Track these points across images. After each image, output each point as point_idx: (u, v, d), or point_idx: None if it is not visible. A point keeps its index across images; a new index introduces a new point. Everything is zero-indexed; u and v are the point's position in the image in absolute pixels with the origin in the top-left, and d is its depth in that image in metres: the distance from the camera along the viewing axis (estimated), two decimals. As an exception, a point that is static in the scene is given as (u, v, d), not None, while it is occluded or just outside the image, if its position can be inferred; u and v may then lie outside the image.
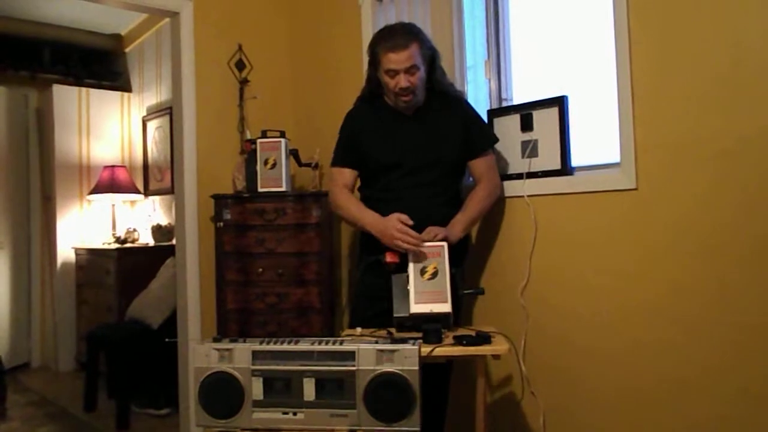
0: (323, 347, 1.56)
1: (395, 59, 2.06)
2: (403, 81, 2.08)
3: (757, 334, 1.68)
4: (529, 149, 2.26)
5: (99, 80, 4.99)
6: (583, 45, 2.26)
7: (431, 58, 2.16)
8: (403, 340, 1.57)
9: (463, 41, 2.55)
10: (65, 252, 4.62)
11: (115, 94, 4.97)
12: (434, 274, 1.94)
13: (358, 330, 1.98)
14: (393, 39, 2.09)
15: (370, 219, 2.11)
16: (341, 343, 1.57)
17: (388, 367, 1.52)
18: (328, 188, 2.30)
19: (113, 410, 3.34)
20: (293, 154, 2.96)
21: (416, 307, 1.91)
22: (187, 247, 3.01)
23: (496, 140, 2.28)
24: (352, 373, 1.53)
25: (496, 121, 2.36)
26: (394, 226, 1.99)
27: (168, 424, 3.34)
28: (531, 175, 2.23)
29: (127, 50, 5.11)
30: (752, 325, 1.69)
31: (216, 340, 1.61)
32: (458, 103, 2.25)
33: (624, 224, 1.98)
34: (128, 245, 4.31)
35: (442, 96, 2.22)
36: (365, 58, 2.26)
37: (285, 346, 1.58)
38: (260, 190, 2.83)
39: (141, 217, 4.75)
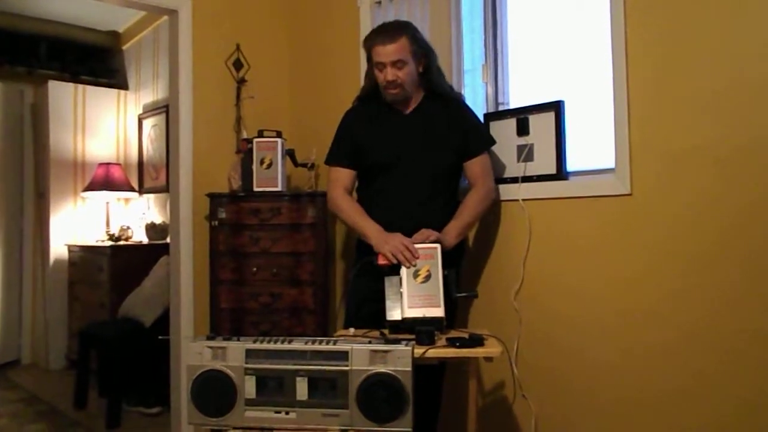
0: (316, 347, 1.56)
1: (382, 52, 2.11)
2: (389, 74, 2.11)
3: (752, 341, 1.69)
4: (525, 153, 2.27)
5: (95, 77, 4.97)
6: (580, 50, 2.27)
7: (425, 57, 2.17)
8: (397, 341, 1.57)
9: (461, 45, 2.56)
10: (58, 249, 4.60)
11: (112, 92, 4.96)
12: (427, 277, 1.94)
13: (351, 330, 1.98)
14: (382, 34, 2.14)
15: (373, 231, 2.08)
16: (334, 343, 1.57)
17: (381, 368, 1.52)
18: (327, 187, 2.28)
19: (104, 408, 3.33)
20: (289, 154, 2.97)
21: (409, 312, 1.91)
22: (181, 246, 3.01)
23: (493, 142, 2.28)
24: (345, 373, 1.53)
25: (493, 124, 2.37)
26: (396, 246, 1.97)
27: (159, 423, 3.32)
28: (526, 179, 2.24)
29: (124, 47, 5.10)
30: (748, 332, 1.69)
31: (209, 338, 1.61)
32: (456, 104, 2.26)
33: (618, 230, 1.99)
34: (122, 243, 4.29)
35: (440, 97, 2.23)
36: (363, 60, 2.27)
37: (278, 345, 1.58)
38: (256, 189, 2.83)
39: (135, 215, 4.74)
